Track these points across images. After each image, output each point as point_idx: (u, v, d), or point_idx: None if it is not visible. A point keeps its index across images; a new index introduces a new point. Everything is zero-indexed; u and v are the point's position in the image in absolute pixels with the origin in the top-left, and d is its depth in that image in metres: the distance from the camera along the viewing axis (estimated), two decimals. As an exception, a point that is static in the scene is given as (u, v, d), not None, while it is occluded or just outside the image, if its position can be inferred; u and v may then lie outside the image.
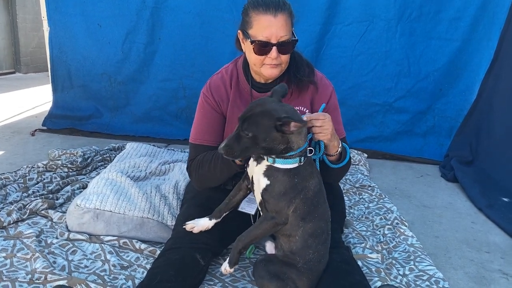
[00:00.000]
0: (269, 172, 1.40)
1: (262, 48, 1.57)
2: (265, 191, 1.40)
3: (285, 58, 1.62)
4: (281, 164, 1.39)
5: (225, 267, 1.47)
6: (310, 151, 1.48)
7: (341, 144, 1.62)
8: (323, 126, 1.49)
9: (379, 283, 1.63)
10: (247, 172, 1.54)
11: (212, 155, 1.67)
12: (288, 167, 1.39)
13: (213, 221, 1.60)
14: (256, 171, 1.44)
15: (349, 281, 1.43)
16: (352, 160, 3.22)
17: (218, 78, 1.79)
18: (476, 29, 3.29)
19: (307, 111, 1.73)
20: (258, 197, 1.46)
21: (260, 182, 1.42)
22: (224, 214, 1.60)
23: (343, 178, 1.80)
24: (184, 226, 1.61)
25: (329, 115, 1.52)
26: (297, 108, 1.71)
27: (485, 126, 3.23)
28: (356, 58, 3.49)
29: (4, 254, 1.75)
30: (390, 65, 3.47)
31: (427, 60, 3.42)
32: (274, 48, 1.56)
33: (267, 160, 1.41)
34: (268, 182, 1.40)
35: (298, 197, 1.38)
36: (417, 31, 3.37)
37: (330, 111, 1.68)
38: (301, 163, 1.40)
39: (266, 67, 1.63)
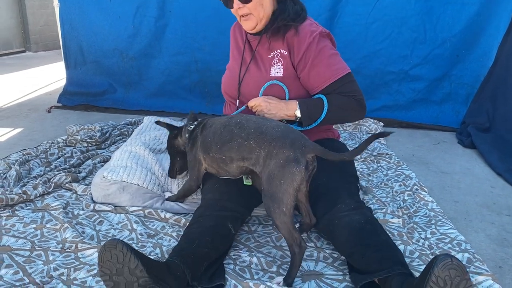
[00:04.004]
0: None
1: (226, 2, 1.75)
2: None
3: (252, 6, 1.71)
4: None
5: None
6: None
7: (298, 106, 1.73)
8: (257, 110, 1.76)
9: (402, 247, 1.66)
10: None
11: None
12: None
13: None
14: None
15: (374, 240, 1.45)
16: (368, 129, 3.23)
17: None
18: (495, -10, 3.20)
19: (286, 53, 1.79)
20: None
21: None
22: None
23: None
24: None
25: (259, 99, 1.75)
26: (279, 51, 1.80)
27: (502, 92, 3.18)
28: (371, 26, 3.42)
29: (34, 226, 1.80)
30: (405, 32, 3.40)
31: (444, 26, 3.34)
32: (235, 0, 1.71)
33: None
34: None
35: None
36: (433, -4, 3.29)
37: (312, 57, 1.74)
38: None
39: (242, 20, 1.78)
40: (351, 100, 1.77)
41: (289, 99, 1.79)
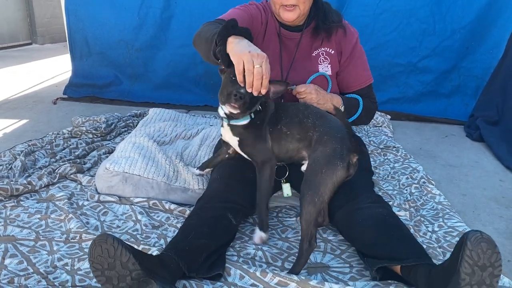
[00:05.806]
0: (234, 131, 1.59)
1: None
2: (241, 146, 1.60)
3: None
4: (236, 122, 1.57)
5: (260, 236, 1.60)
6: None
7: (342, 102, 1.79)
8: (306, 97, 1.71)
9: (408, 239, 1.64)
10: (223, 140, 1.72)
11: (213, 31, 1.56)
12: (243, 123, 1.56)
13: (198, 171, 1.95)
14: (225, 134, 1.64)
15: (399, 234, 1.42)
16: (375, 122, 3.19)
17: (264, 4, 1.91)
18: (507, -20, 3.13)
19: (333, 52, 1.84)
20: (244, 155, 1.64)
21: (232, 141, 1.62)
22: (207, 170, 1.91)
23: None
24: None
25: (311, 86, 1.71)
26: (323, 49, 1.85)
27: (512, 84, 3.13)
28: (379, 17, 3.37)
29: (39, 216, 1.80)
30: (414, 23, 3.35)
31: (454, 17, 3.28)
32: None
33: (225, 122, 1.59)
34: (238, 139, 1.59)
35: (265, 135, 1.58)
36: (443, -14, 3.23)
37: (355, 58, 1.84)
38: (252, 118, 1.56)
39: (284, 10, 1.72)
40: (374, 106, 1.95)
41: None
